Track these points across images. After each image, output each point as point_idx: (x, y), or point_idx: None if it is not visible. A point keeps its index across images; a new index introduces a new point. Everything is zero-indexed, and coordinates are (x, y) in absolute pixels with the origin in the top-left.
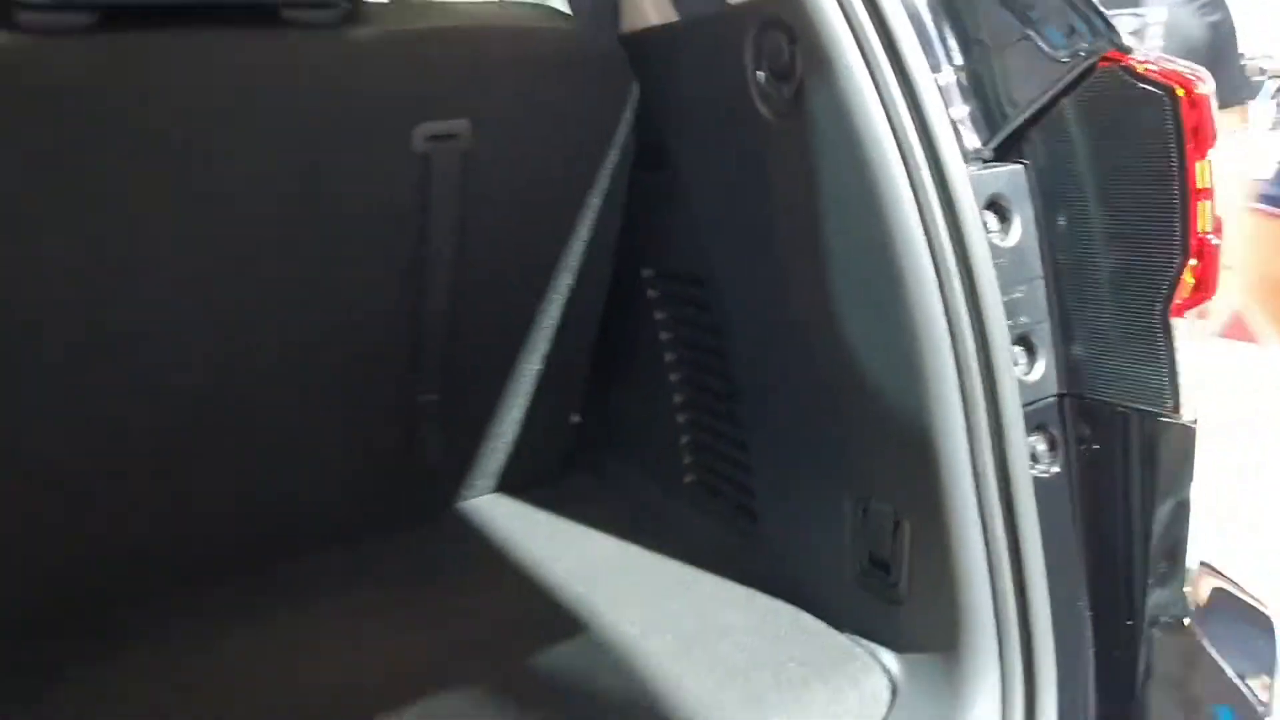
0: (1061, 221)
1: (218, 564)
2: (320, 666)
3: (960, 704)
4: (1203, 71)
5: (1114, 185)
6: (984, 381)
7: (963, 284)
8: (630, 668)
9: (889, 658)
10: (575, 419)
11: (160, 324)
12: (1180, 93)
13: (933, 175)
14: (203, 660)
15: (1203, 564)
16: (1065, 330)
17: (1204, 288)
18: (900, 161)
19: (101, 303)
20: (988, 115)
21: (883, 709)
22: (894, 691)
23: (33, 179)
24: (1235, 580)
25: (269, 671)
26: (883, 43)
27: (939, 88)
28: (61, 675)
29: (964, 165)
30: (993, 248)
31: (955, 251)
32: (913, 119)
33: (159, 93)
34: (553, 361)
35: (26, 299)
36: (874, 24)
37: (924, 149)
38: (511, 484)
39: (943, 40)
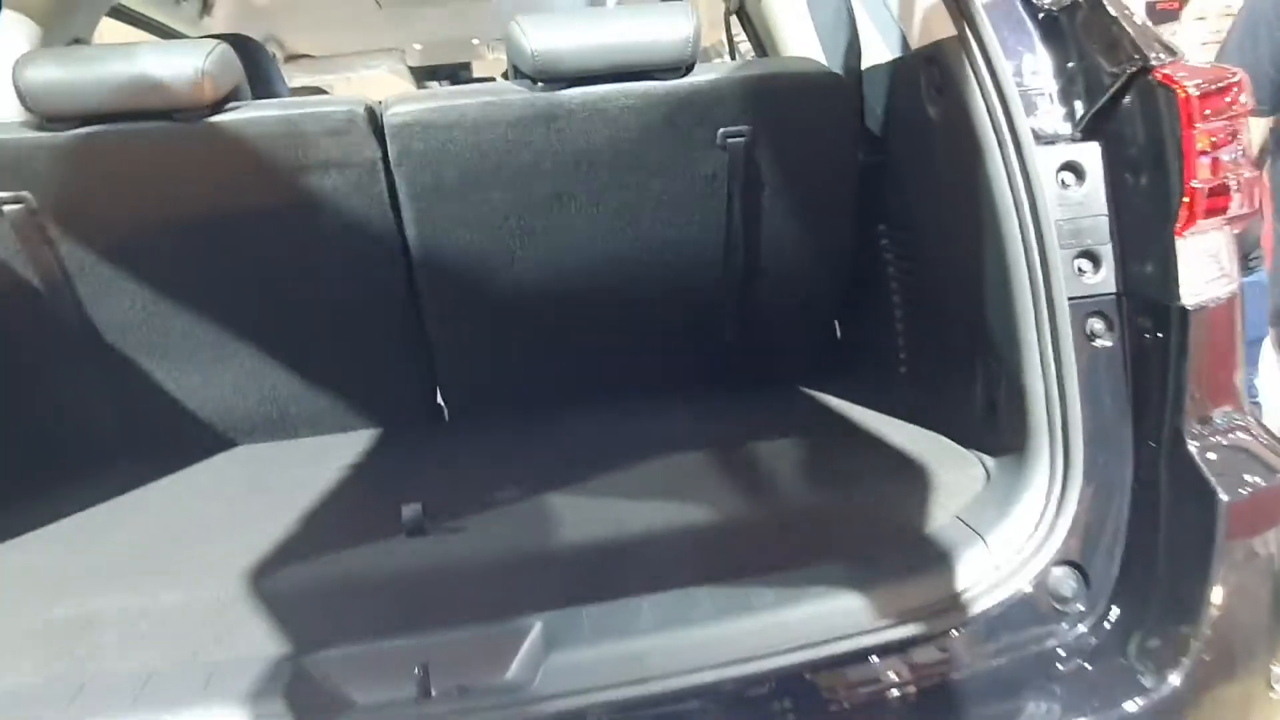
0: (1126, 177)
1: (582, 391)
2: (639, 442)
3: (1023, 483)
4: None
5: (1148, 151)
6: (1044, 281)
7: (1032, 219)
8: (835, 455)
9: (988, 459)
10: (837, 330)
11: (571, 236)
12: (1181, 93)
13: (1015, 151)
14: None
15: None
16: (1124, 250)
17: (1191, 215)
18: (996, 143)
19: (547, 231)
20: (1075, 111)
21: (979, 485)
22: (987, 477)
23: (507, 162)
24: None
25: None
26: (989, 72)
27: (1047, 95)
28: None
29: (1035, 145)
30: (1068, 197)
31: (1028, 198)
32: (1005, 118)
33: (576, 118)
34: (815, 286)
35: (512, 228)
36: (984, 63)
37: (1010, 135)
38: (786, 370)
39: (1052, 66)
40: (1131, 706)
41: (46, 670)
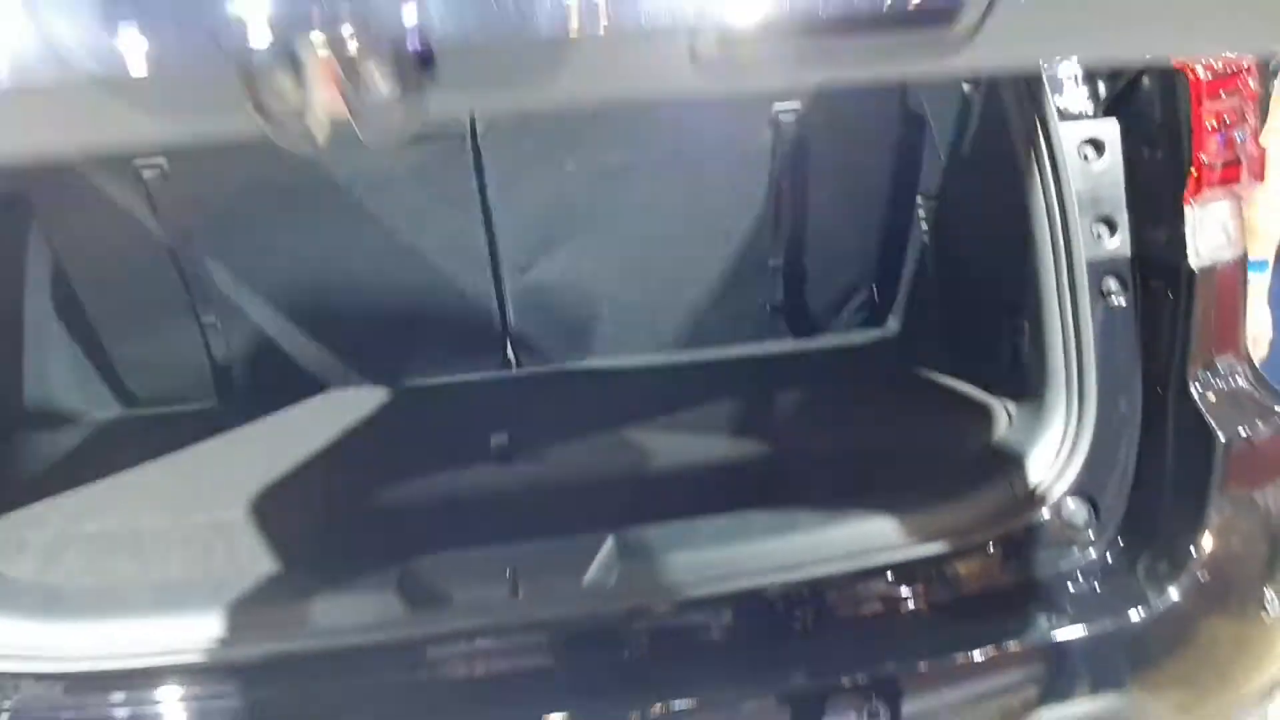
0: (1142, 151)
1: (642, 341)
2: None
3: (1043, 424)
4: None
5: (1162, 128)
6: (1065, 245)
7: (1055, 187)
8: (872, 400)
9: (1011, 405)
10: (874, 293)
11: (636, 201)
12: (1191, 75)
13: (1042, 127)
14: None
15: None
16: (1138, 216)
17: (1199, 185)
18: (1025, 120)
19: (614, 198)
20: (1098, 91)
21: (1004, 427)
22: (1010, 419)
23: (580, 134)
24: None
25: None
26: None
27: (1073, 77)
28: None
29: (1059, 121)
30: (1088, 168)
31: (1052, 169)
32: (1034, 97)
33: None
34: (855, 249)
35: (582, 195)
36: None
37: (1038, 112)
38: (827, 325)
39: None
40: (1135, 618)
41: (194, 567)
